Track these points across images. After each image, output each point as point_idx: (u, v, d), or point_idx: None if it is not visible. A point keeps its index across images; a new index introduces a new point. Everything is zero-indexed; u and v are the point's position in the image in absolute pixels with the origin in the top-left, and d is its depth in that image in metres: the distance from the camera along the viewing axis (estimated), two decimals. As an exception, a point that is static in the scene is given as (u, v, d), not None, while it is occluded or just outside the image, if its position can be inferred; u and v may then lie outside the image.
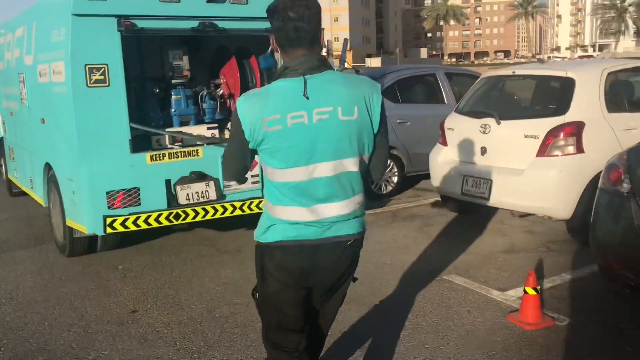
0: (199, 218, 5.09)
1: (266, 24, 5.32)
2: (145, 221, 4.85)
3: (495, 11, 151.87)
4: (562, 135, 5.31)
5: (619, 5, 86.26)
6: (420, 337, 3.80)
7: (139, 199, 4.94)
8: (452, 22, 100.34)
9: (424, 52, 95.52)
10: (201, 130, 5.46)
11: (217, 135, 5.52)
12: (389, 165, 7.67)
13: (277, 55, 5.67)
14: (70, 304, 4.58)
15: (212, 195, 5.26)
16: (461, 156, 6.11)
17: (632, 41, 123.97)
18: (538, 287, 3.91)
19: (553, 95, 5.81)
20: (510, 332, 3.84)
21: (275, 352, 2.43)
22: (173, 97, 5.43)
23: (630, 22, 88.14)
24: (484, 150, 5.84)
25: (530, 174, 5.39)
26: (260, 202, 5.42)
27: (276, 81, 2.19)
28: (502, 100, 6.37)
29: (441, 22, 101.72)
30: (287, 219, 2.22)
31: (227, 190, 5.35)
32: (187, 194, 5.14)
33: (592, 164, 5.29)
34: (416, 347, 3.68)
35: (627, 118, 5.56)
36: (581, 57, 79.74)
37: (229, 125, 5.72)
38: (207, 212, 5.12)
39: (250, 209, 5.36)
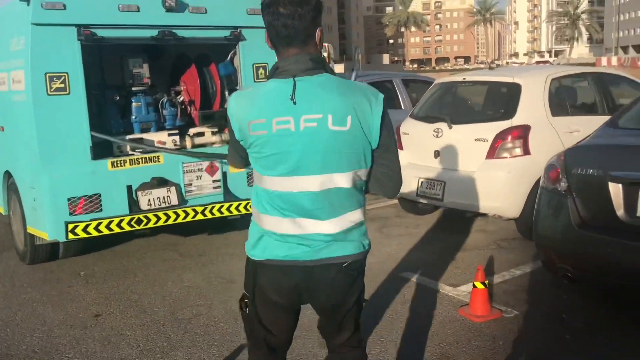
0: (160, 223, 5.18)
1: (225, 33, 5.54)
2: (107, 227, 4.92)
3: (455, 18, 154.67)
4: (509, 138, 5.59)
5: (572, 12, 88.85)
6: (377, 331, 3.98)
7: (101, 205, 5.01)
8: (413, 28, 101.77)
9: (386, 58, 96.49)
10: (162, 136, 5.55)
11: (177, 142, 5.62)
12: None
13: (236, 63, 5.84)
14: (32, 310, 4.62)
15: (174, 200, 5.36)
16: (416, 159, 6.35)
17: (585, 47, 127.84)
18: (486, 282, 4.14)
19: (501, 100, 6.09)
20: (460, 324, 4.05)
21: (254, 339, 2.31)
22: (133, 104, 5.51)
23: (583, 29, 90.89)
24: (437, 154, 6.08)
25: (480, 175, 5.65)
26: (222, 206, 5.55)
27: (267, 81, 2.04)
28: (454, 106, 6.64)
29: (402, 29, 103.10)
30: (272, 230, 2.07)
31: (188, 195, 5.46)
32: (149, 200, 5.22)
33: (538, 165, 5.55)
34: (372, 340, 3.86)
35: (569, 121, 5.87)
36: (538, 62, 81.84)
37: (190, 131, 5.85)
38: (168, 217, 5.22)
39: (212, 214, 5.48)
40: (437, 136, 6.06)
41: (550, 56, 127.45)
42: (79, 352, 3.88)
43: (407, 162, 6.45)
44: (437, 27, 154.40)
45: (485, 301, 4.13)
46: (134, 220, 5.03)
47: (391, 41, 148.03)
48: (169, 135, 5.60)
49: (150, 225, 5.14)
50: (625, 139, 3.87)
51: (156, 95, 5.76)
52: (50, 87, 4.69)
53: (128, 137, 5.41)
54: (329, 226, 2.03)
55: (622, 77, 6.64)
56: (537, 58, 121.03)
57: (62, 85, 4.73)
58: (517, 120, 5.63)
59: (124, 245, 6.18)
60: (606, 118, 6.15)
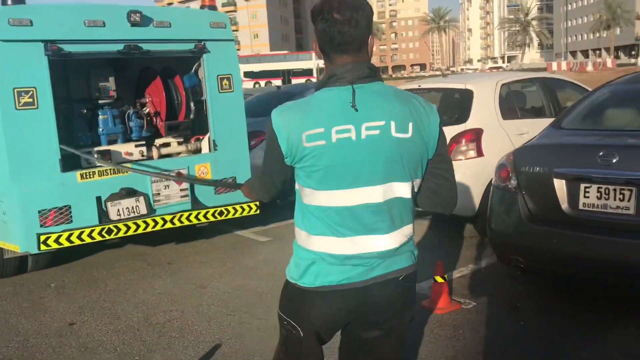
0: (130, 232, 5.30)
1: (189, 46, 5.71)
2: (79, 237, 5.01)
3: (410, 26, 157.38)
4: (463, 141, 5.90)
5: (523, 19, 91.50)
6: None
7: (71, 216, 5.10)
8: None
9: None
10: (129, 148, 5.68)
11: (145, 153, 5.75)
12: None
13: (201, 74, 6.01)
14: (5, 321, 4.68)
15: (143, 210, 5.48)
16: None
17: (536, 52, 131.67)
18: (445, 276, 4.41)
19: (455, 105, 6.41)
20: (423, 316, 4.30)
21: None
22: (100, 117, 5.63)
23: (534, 35, 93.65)
24: (397, 158, 6.36)
25: (438, 177, 5.94)
26: (190, 214, 5.69)
27: (319, 91, 1.92)
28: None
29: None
30: (327, 252, 1.93)
31: (157, 204, 5.59)
32: (118, 210, 5.33)
33: (491, 166, 5.83)
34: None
35: (519, 124, 6.23)
36: (491, 68, 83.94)
37: (156, 141, 5.98)
38: (138, 226, 5.33)
39: (181, 222, 5.61)
40: (396, 141, 6.33)
41: (503, 62, 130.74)
42: (58, 357, 3.98)
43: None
44: (393, 35, 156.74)
45: (445, 294, 4.39)
46: (105, 230, 5.13)
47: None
48: (136, 146, 5.73)
49: (121, 234, 5.25)
50: (568, 138, 4.20)
51: (122, 107, 5.88)
52: (19, 102, 4.78)
53: (96, 149, 5.52)
54: (388, 241, 1.94)
55: (566, 82, 7.07)
56: (490, 64, 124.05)
57: (30, 100, 4.82)
58: (470, 123, 5.95)
59: (93, 257, 6.25)
60: (552, 120, 6.61)
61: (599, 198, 3.68)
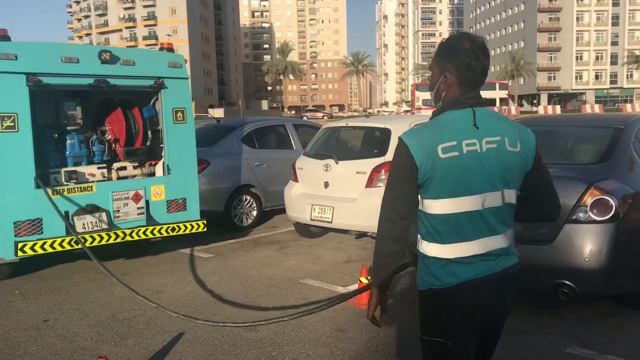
0: (95, 243, 5.97)
1: (150, 82, 6.56)
2: (51, 245, 5.64)
3: (330, 68, 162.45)
4: (383, 171, 7.02)
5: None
6: (286, 325, 5.05)
7: (42, 227, 5.73)
8: (291, 77, 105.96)
9: (265, 104, 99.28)
10: (92, 169, 6.39)
11: (105, 174, 6.47)
12: (249, 201, 9.00)
13: (158, 107, 6.84)
14: (-20, 321, 5.22)
15: (104, 224, 6.17)
16: (309, 190, 7.61)
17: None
18: (369, 277, 5.40)
19: (375, 141, 7.55)
20: (352, 311, 5.26)
21: None
22: (68, 141, 6.31)
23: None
24: (327, 184, 7.38)
25: (361, 201, 7.01)
26: (146, 229, 6.43)
27: (444, 113, 2.20)
28: (339, 146, 8.03)
29: (281, 77, 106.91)
30: (458, 256, 2.15)
31: (116, 220, 6.30)
32: (84, 223, 6.01)
33: (406, 192, 7.05)
34: (280, 332, 4.94)
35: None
36: (406, 112, 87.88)
37: (114, 165, 6.72)
38: (102, 237, 6.02)
39: (138, 236, 6.34)
40: (326, 170, 7.37)
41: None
42: (40, 345, 4.61)
43: (301, 192, 7.71)
44: (313, 76, 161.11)
45: (368, 292, 5.37)
46: (73, 240, 5.79)
47: (269, 88, 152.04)
48: (98, 168, 6.45)
49: (87, 244, 5.91)
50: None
51: (86, 133, 6.58)
52: (2, 125, 5.43)
53: (63, 169, 6.19)
54: (504, 240, 2.21)
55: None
56: (405, 107, 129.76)
57: (12, 124, 5.49)
58: (388, 156, 7.09)
59: (50, 270, 6.81)
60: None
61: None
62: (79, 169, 6.31)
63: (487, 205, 2.14)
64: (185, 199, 6.88)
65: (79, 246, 5.90)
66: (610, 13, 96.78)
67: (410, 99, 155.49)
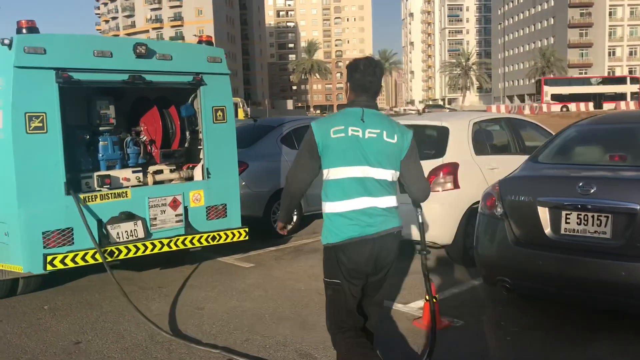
0: (130, 255, 5.45)
1: (188, 78, 6.01)
2: (83, 258, 5.13)
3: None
4: (441, 174, 6.37)
5: (464, 63, 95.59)
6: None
7: (73, 238, 5.22)
8: (316, 75, 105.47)
9: (290, 104, 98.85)
10: (127, 173, 5.87)
11: (141, 178, 5.95)
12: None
13: (196, 105, 6.30)
14: (8, 342, 4.72)
15: (140, 233, 5.65)
16: (358, 194, 7.00)
17: (475, 95, 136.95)
18: (437, 296, 4.78)
19: (432, 141, 6.91)
20: (417, 333, 4.65)
21: (339, 331, 3.17)
22: (101, 143, 5.80)
23: (474, 79, 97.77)
24: (377, 189, 6.77)
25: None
26: (185, 239, 5.90)
27: (344, 108, 3.21)
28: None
29: (305, 76, 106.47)
30: (343, 210, 3.04)
31: (153, 228, 5.77)
32: (118, 233, 5.49)
33: (466, 197, 6.40)
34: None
35: (490, 159, 6.77)
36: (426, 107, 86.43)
37: (149, 168, 6.19)
38: (138, 248, 5.50)
39: (176, 246, 5.81)
40: (377, 173, 6.75)
41: (444, 103, 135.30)
42: (73, 374, 4.09)
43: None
44: (338, 74, 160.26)
45: (436, 312, 4.75)
46: (107, 252, 5.27)
47: (294, 87, 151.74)
48: (133, 172, 5.93)
49: (121, 257, 5.40)
50: (548, 171, 4.71)
51: (120, 134, 6.07)
52: (29, 126, 4.93)
53: (96, 174, 5.68)
54: (380, 202, 3.07)
55: (527, 122, 7.71)
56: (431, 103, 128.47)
57: (40, 125, 4.99)
58: (447, 158, 6.44)
59: (80, 281, 6.32)
60: (518, 157, 7.17)
61: (579, 224, 4.16)
62: (112, 173, 5.80)
63: (365, 175, 3.01)
64: (225, 204, 6.33)
65: (114, 258, 5.38)
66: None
67: (437, 97, 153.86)
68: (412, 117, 7.43)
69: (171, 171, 6.37)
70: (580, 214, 4.14)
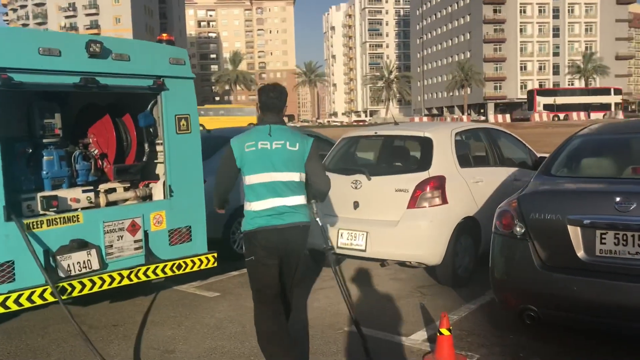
0: (86, 291, 4.59)
1: (148, 82, 5.20)
2: (29, 299, 4.23)
3: (279, 78, 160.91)
4: (428, 188, 5.87)
5: (387, 77, 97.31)
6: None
7: (14, 274, 4.31)
8: (240, 86, 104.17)
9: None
10: (76, 193, 4.98)
11: (92, 199, 5.08)
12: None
13: (156, 113, 5.51)
14: None
15: (95, 264, 4.79)
16: (334, 211, 6.38)
17: (395, 108, 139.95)
18: (450, 328, 4.23)
19: (414, 153, 6.41)
20: (433, 372, 4.07)
21: (256, 303, 3.93)
22: (45, 157, 4.90)
23: (396, 91, 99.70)
24: (356, 205, 6.18)
25: (404, 224, 5.82)
26: (148, 269, 5.08)
27: (255, 126, 3.92)
28: (368, 158, 6.85)
29: (229, 87, 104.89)
30: (256, 209, 3.76)
31: (109, 258, 4.91)
32: (69, 265, 4.61)
33: (455, 213, 5.94)
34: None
35: (473, 172, 6.35)
36: (356, 121, 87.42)
37: (100, 187, 5.33)
38: (93, 283, 4.64)
39: (138, 277, 4.98)
40: (355, 187, 6.16)
41: (365, 116, 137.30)
42: None
43: (322, 214, 6.46)
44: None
45: (451, 347, 4.19)
46: (58, 289, 4.37)
47: (217, 98, 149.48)
48: (83, 191, 5.06)
49: (75, 294, 4.52)
50: (572, 185, 4.28)
51: (67, 147, 5.18)
52: (-41, 138, 4.00)
53: (40, 194, 4.77)
54: (288, 201, 3.77)
55: (502, 132, 7.36)
56: (354, 117, 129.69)
57: (-27, 136, 4.07)
58: (433, 171, 5.95)
59: (16, 321, 5.32)
60: (499, 169, 6.81)
61: (617, 244, 3.74)
62: (59, 193, 4.89)
63: (275, 180, 3.73)
64: (190, 227, 5.55)
65: (66, 296, 4.49)
66: (551, 25, 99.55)
67: (359, 109, 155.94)
68: (389, 128, 6.90)
69: (125, 189, 5.52)
70: (618, 234, 3.72)
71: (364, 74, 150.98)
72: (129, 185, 5.56)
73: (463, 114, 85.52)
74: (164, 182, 5.41)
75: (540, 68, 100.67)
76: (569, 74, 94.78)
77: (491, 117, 52.81)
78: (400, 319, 5.21)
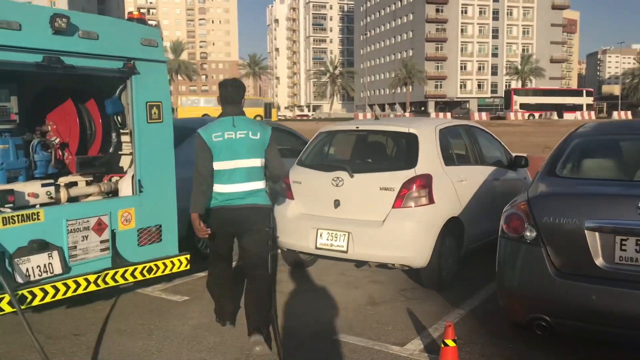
0: (48, 299, 4.04)
1: (118, 64, 4.67)
2: (-17, 309, 3.64)
3: (222, 69, 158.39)
4: (414, 187, 5.57)
5: (332, 72, 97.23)
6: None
7: (-36, 280, 3.71)
8: (182, 77, 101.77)
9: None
10: (35, 187, 4.40)
11: (53, 194, 4.51)
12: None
13: (124, 100, 4.98)
14: None
15: (57, 268, 4.23)
16: (312, 209, 6.01)
17: (339, 103, 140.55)
18: (456, 338, 3.94)
19: (399, 149, 6.11)
20: (439, 387, 3.77)
21: (211, 268, 4.68)
22: (0, 146, 4.29)
23: (340, 87, 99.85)
24: (337, 203, 5.82)
25: (389, 225, 5.51)
26: (116, 273, 4.56)
27: (219, 118, 4.35)
28: (349, 154, 6.50)
29: (170, 77, 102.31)
30: (221, 191, 4.28)
31: (73, 261, 4.37)
32: (27, 269, 4.04)
33: (441, 213, 5.67)
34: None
35: (457, 170, 6.10)
36: (299, 116, 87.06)
37: (60, 180, 4.76)
38: (57, 290, 4.09)
39: (105, 282, 4.46)
40: (337, 185, 5.80)
41: (308, 110, 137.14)
42: None
43: (300, 212, 6.08)
44: (204, 77, 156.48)
45: (456, 359, 3.91)
46: (17, 297, 3.81)
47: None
48: (43, 185, 4.46)
49: (36, 302, 3.96)
50: (588, 187, 4.05)
51: (24, 135, 4.58)
52: None
53: (-7, 188, 4.17)
54: (247, 186, 4.28)
55: (480, 130, 7.16)
56: (297, 112, 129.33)
57: None
58: (420, 169, 5.66)
59: (-41, 331, 4.70)
60: (481, 167, 6.60)
61: (638, 251, 3.53)
62: (15, 186, 4.30)
63: (238, 166, 4.24)
64: (160, 226, 5.07)
65: (26, 306, 3.93)
66: (490, 26, 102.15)
67: (302, 103, 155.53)
68: (370, 123, 6.55)
69: (88, 184, 4.97)
70: (640, 240, 3.51)
71: (308, 68, 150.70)
72: (91, 178, 5.00)
73: (405, 111, 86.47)
74: (132, 176, 4.88)
75: (479, 68, 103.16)
76: (507, 74, 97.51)
77: (433, 115, 54.20)
78: (388, 325, 4.89)
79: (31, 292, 3.93)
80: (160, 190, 5.04)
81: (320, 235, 5.81)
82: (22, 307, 3.84)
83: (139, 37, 4.79)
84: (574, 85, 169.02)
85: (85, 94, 4.94)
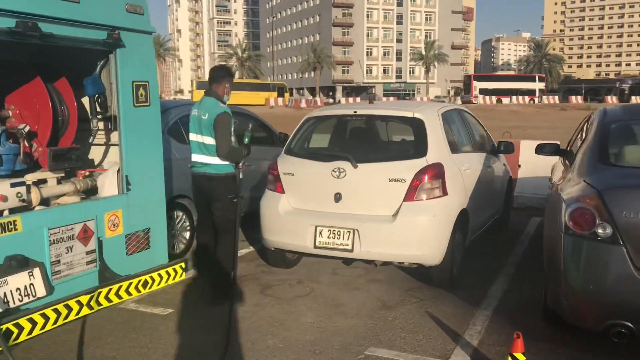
0: (36, 331, 3.17)
1: (102, 34, 3.80)
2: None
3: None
4: (426, 178, 5.08)
5: (240, 55, 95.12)
6: None
7: None
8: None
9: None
10: (3, 188, 3.48)
11: (24, 195, 3.60)
12: (181, 218, 6.31)
13: (105, 78, 4.10)
14: None
15: (40, 290, 3.37)
16: (308, 204, 5.37)
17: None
18: (524, 352, 3.49)
19: (405, 136, 5.58)
20: (514, 409, 3.31)
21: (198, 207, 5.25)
22: (-42, 137, 3.32)
23: (248, 71, 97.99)
24: (338, 197, 5.22)
25: (402, 220, 4.99)
26: (110, 290, 3.72)
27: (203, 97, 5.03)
28: (348, 142, 5.87)
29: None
30: (192, 160, 4.95)
31: (56, 278, 3.51)
32: (6, 293, 3.16)
33: (454, 205, 5.23)
34: None
35: (461, 158, 5.68)
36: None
37: (26, 177, 3.84)
38: (46, 318, 3.24)
39: (99, 304, 3.64)
40: (338, 177, 5.20)
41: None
42: None
43: (293, 207, 5.43)
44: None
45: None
46: (2, 332, 2.93)
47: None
48: (12, 185, 3.55)
49: (23, 337, 3.09)
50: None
51: (-15, 123, 3.61)
52: None
53: (-47, 191, 3.21)
54: (203, 158, 4.84)
55: (470, 114, 6.77)
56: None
57: None
58: (431, 158, 5.17)
59: None
60: (478, 154, 6.23)
61: None
62: (-21, 188, 3.36)
63: (199, 140, 4.82)
64: (148, 229, 4.28)
65: (12, 342, 3.05)
66: (395, 12, 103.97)
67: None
68: (368, 107, 5.93)
69: (59, 181, 4.06)
70: None
71: (212, 51, 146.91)
72: (62, 175, 4.10)
73: (315, 96, 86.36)
74: (119, 170, 4.04)
75: (384, 54, 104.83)
76: (412, 60, 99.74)
77: (343, 100, 54.53)
78: (417, 334, 4.38)
79: (17, 325, 3.06)
80: (149, 187, 4.24)
81: (320, 233, 5.20)
82: (9, 345, 2.97)
83: (123, 2, 3.94)
84: (471, 70, 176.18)
85: (55, 70, 4.01)
